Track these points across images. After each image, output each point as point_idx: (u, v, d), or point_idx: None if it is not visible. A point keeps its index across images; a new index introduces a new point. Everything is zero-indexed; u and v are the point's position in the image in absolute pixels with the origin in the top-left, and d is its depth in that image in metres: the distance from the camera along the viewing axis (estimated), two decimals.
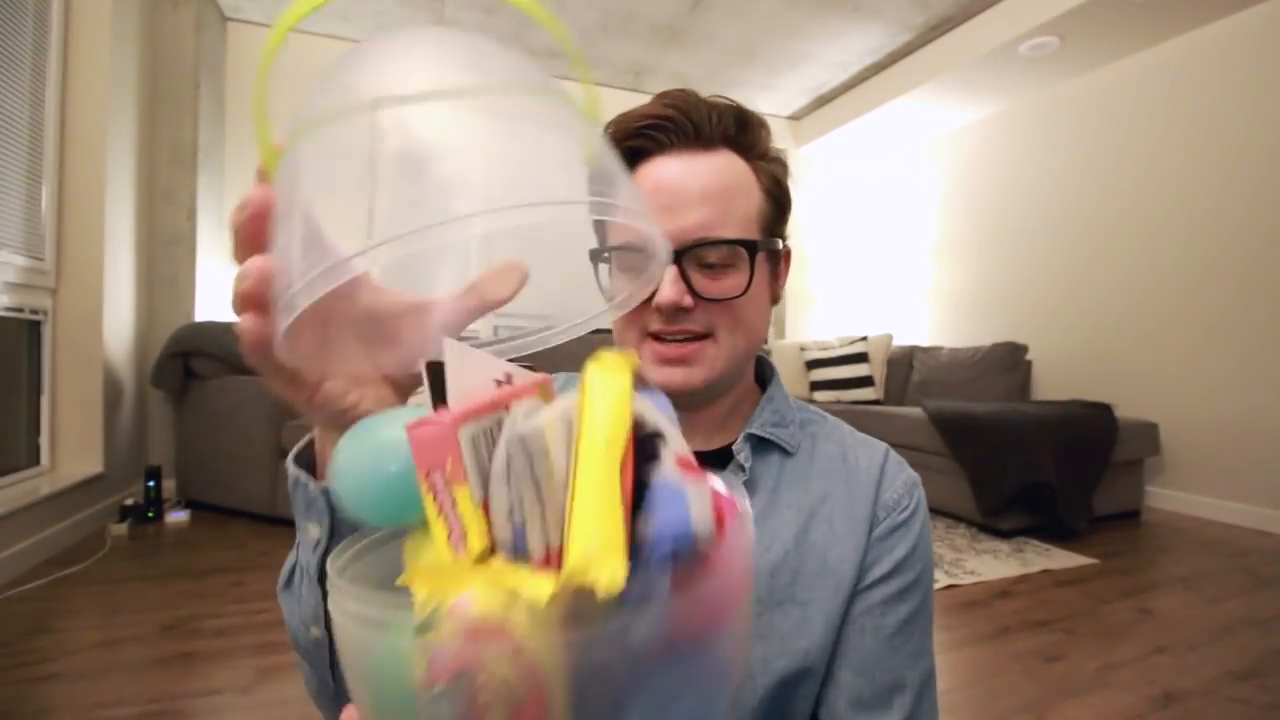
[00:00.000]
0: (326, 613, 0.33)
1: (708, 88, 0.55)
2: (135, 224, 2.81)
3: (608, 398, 0.21)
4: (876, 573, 0.51)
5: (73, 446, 2.44)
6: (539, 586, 0.17)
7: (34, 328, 2.33)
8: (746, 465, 0.52)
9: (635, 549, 0.18)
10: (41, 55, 2.31)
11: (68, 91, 2.43)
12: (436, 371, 0.24)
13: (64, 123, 2.42)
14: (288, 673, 1.48)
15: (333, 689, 0.39)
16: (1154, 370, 3.11)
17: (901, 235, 4.72)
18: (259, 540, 2.41)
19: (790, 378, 4.09)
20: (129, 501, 2.55)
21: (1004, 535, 2.59)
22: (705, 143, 0.51)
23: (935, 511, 2.89)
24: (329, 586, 0.21)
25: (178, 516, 2.59)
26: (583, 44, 3.65)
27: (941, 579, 2.10)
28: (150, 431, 2.98)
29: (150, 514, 2.57)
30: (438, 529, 0.20)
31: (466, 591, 0.18)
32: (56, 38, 2.37)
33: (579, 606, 0.17)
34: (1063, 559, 2.32)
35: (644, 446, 0.21)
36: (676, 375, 0.50)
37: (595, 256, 0.52)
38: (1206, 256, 2.92)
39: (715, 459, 0.54)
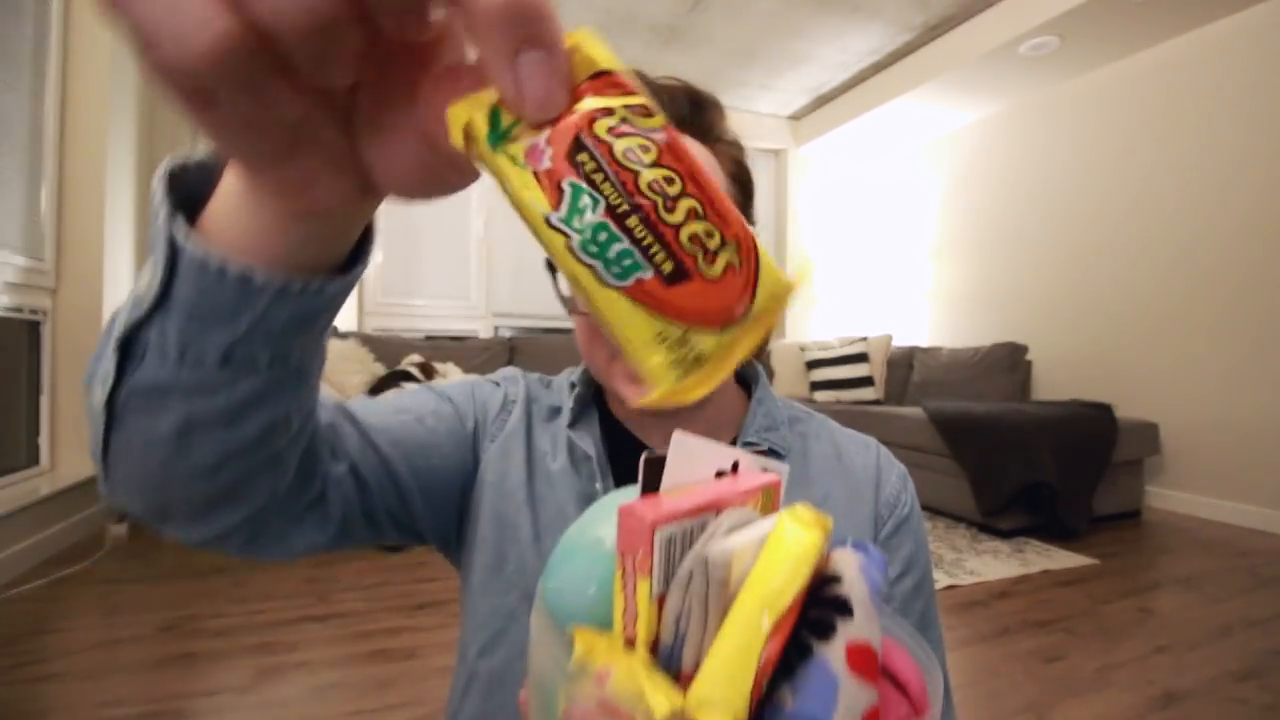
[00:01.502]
0: (112, 397, 0.27)
1: (707, 87, 0.53)
2: (135, 224, 2.81)
3: (785, 555, 0.20)
4: (889, 574, 0.50)
5: (72, 446, 2.44)
6: (660, 701, 0.18)
7: (33, 328, 2.32)
8: None
9: (770, 714, 0.19)
10: (41, 55, 2.31)
11: (68, 91, 2.43)
12: (653, 467, 0.24)
13: (64, 123, 2.42)
14: (288, 673, 1.48)
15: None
16: (1154, 370, 3.11)
17: (901, 235, 4.72)
18: None
19: (790, 378, 4.09)
20: None
21: (1004, 535, 2.59)
22: None
23: (935, 511, 2.89)
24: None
25: None
26: None
27: (941, 579, 2.10)
28: None
29: None
30: (618, 601, 0.22)
31: (611, 666, 0.20)
32: (56, 38, 2.37)
33: None
34: (1063, 559, 2.32)
35: (821, 613, 0.21)
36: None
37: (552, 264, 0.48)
38: (1206, 256, 2.92)
39: None
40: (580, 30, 0.18)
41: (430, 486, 0.49)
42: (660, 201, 0.17)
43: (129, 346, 0.27)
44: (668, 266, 0.17)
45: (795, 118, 4.69)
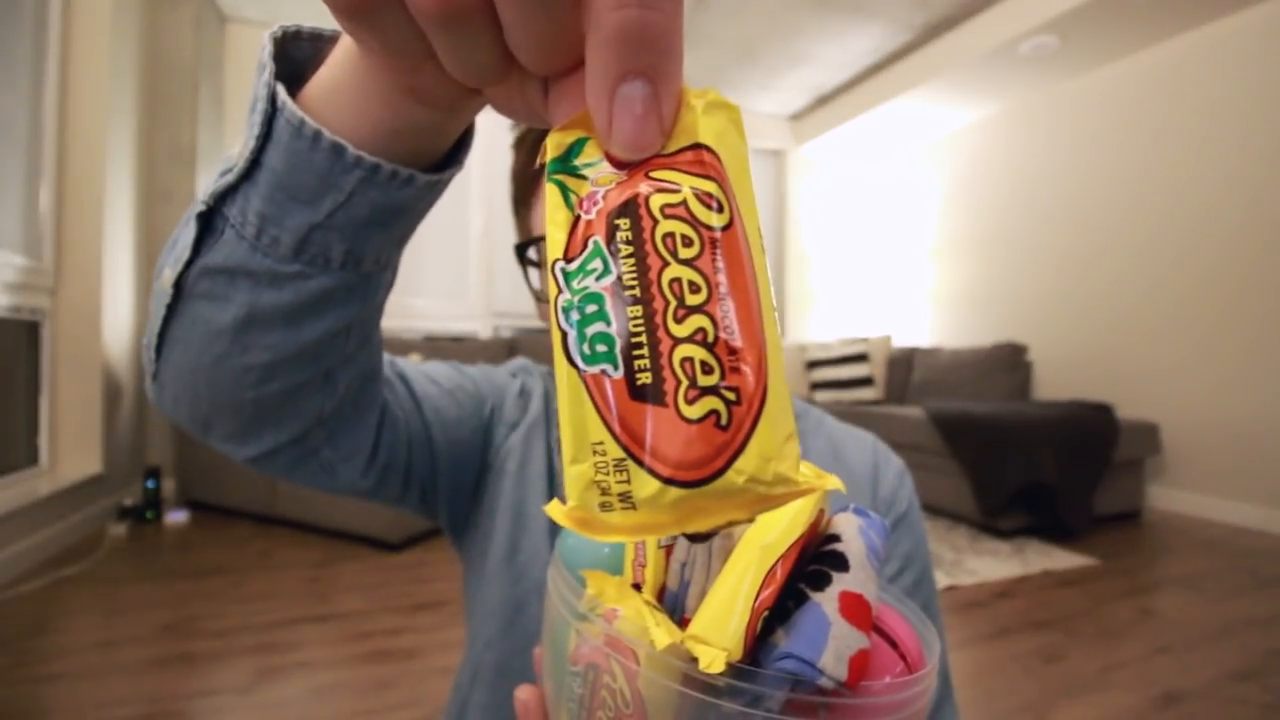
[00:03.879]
0: (184, 272, 0.27)
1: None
2: (135, 224, 2.80)
3: (784, 508, 0.21)
4: (887, 572, 0.49)
5: (72, 446, 2.44)
6: (661, 635, 0.19)
7: (33, 328, 2.32)
8: None
9: (765, 652, 0.20)
10: (41, 55, 2.31)
11: (67, 91, 2.43)
12: None
13: (63, 123, 2.42)
14: (288, 673, 1.47)
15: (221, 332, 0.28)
16: (1154, 370, 3.11)
17: (901, 235, 4.72)
18: (259, 540, 2.41)
19: (790, 378, 4.09)
20: (128, 502, 2.55)
21: (1004, 535, 2.59)
22: None
23: (935, 511, 2.89)
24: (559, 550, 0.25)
25: (177, 517, 2.59)
26: None
27: (942, 579, 2.09)
28: (149, 431, 2.98)
29: (149, 514, 2.56)
30: (628, 550, 0.24)
31: (619, 606, 0.21)
32: (56, 38, 2.37)
33: (693, 672, 0.18)
34: (1063, 559, 2.32)
35: (819, 566, 0.22)
36: None
37: (520, 252, 0.50)
38: (1206, 256, 2.92)
39: None
40: (711, 90, 0.16)
41: (455, 464, 0.50)
42: (673, 305, 0.15)
43: (209, 219, 0.26)
44: (642, 379, 0.14)
45: (795, 118, 4.69)
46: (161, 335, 0.30)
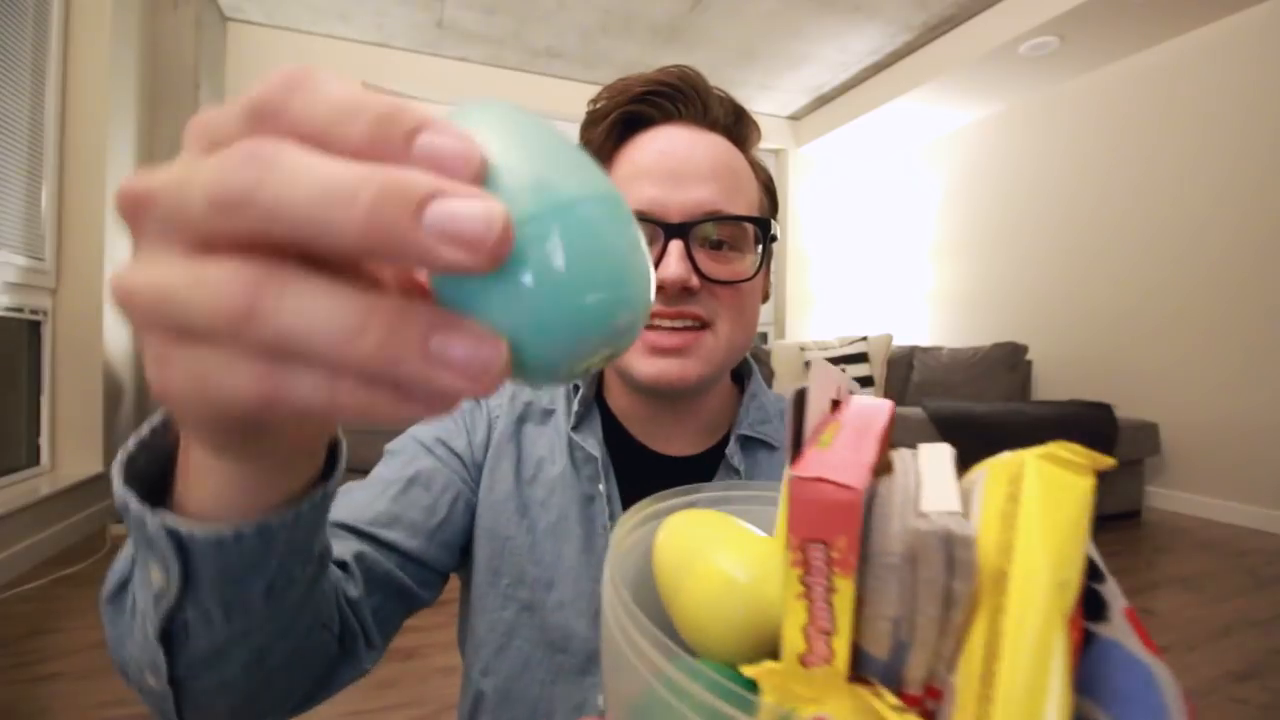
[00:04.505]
0: (172, 675, 0.26)
1: None
2: None
3: (1065, 515, 0.14)
4: None
5: (73, 446, 2.44)
6: None
7: (34, 327, 2.32)
8: (741, 469, 0.51)
9: None
10: (41, 55, 2.31)
11: (68, 91, 2.43)
12: (801, 401, 0.19)
13: (64, 123, 2.42)
14: None
15: None
16: (1154, 370, 3.11)
17: (901, 235, 4.72)
18: None
19: (790, 377, 4.09)
20: None
21: None
22: (710, 122, 0.50)
23: None
24: (609, 603, 0.18)
25: None
26: (582, 44, 3.65)
27: None
28: None
29: None
30: (795, 611, 0.16)
31: (826, 711, 0.14)
32: (56, 38, 2.37)
33: None
34: None
35: (1087, 590, 0.15)
36: (672, 367, 0.46)
37: None
38: (1206, 256, 2.92)
39: (704, 462, 0.53)
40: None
41: (448, 538, 0.50)
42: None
43: (169, 633, 0.25)
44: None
45: (795, 118, 4.69)
46: (179, 712, 0.29)
